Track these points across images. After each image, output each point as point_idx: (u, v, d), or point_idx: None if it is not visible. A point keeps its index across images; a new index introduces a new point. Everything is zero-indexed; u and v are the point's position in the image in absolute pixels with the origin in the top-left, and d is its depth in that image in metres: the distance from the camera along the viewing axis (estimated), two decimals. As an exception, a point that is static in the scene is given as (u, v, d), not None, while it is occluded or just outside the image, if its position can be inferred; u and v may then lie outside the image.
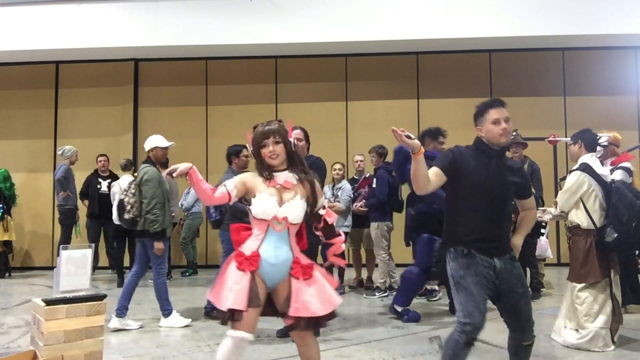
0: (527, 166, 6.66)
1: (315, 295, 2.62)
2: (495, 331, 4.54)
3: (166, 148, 5.08)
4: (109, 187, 7.77)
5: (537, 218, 4.82)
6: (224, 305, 2.54)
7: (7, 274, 8.14)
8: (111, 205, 7.22)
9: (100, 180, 8.01)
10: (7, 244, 8.15)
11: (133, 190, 4.93)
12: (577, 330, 4.12)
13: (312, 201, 2.75)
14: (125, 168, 7.54)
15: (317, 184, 2.82)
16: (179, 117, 9.19)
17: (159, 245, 4.83)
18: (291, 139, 2.77)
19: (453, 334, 2.71)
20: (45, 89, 9.36)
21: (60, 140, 9.00)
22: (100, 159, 8.07)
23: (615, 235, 3.93)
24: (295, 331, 2.67)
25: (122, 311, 4.85)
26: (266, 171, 2.72)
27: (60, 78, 9.41)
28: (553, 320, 4.83)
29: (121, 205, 5.00)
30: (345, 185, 6.68)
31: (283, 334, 4.48)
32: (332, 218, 2.87)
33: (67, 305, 3.19)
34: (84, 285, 3.35)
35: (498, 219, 2.81)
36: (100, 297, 3.33)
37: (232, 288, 2.56)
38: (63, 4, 8.42)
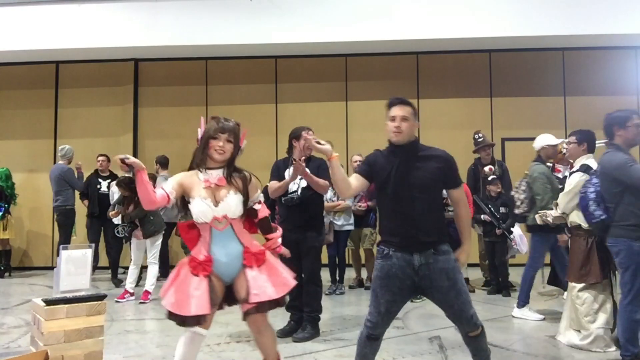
0: (496, 166, 6.69)
1: (268, 280, 2.78)
2: (494, 331, 4.56)
3: (556, 146, 5.38)
4: (108, 187, 7.76)
5: (537, 220, 4.86)
6: (188, 311, 2.67)
7: (7, 274, 8.14)
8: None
9: (100, 180, 8.00)
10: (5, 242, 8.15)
11: (523, 187, 5.28)
12: (579, 331, 4.13)
13: (245, 196, 2.84)
14: (126, 168, 7.53)
15: (253, 180, 2.92)
16: (179, 117, 9.19)
17: (562, 237, 5.09)
18: (241, 146, 2.88)
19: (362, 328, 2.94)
20: (45, 89, 9.36)
21: (60, 140, 8.99)
22: (100, 158, 8.06)
23: None
24: (250, 317, 2.80)
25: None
26: (202, 163, 2.80)
27: (60, 78, 9.41)
28: (553, 320, 4.84)
29: (511, 200, 5.50)
30: (346, 184, 6.71)
31: (283, 334, 4.49)
32: (265, 213, 3.01)
33: (67, 305, 3.19)
34: (84, 285, 3.35)
35: (410, 216, 2.76)
36: (100, 297, 3.33)
37: (192, 294, 2.70)
38: (63, 4, 8.41)
